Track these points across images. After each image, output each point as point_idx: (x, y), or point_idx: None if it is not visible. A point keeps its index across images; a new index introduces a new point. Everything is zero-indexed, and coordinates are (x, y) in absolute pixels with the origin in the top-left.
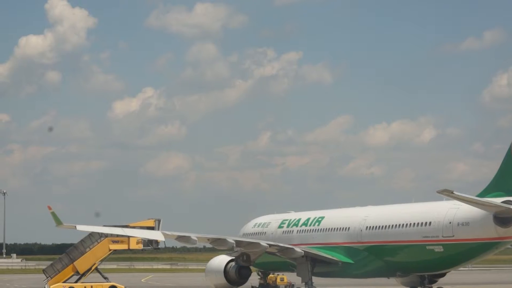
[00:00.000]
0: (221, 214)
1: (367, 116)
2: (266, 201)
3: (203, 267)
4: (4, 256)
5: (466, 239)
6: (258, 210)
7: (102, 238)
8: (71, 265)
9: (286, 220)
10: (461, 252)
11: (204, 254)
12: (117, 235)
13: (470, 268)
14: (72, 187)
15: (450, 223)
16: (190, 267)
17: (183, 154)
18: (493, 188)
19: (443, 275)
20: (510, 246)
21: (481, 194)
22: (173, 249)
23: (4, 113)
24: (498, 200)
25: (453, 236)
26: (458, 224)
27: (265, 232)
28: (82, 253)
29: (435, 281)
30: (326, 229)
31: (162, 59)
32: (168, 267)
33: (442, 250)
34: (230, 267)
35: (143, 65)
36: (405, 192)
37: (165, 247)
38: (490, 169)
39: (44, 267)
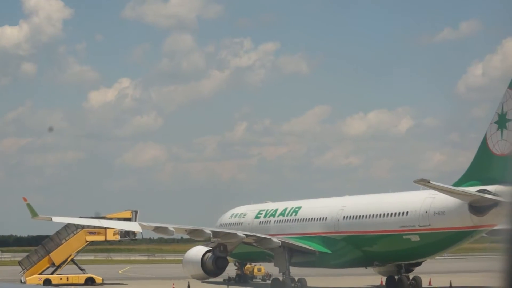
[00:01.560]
0: (198, 205)
1: (344, 107)
2: (243, 191)
3: (181, 258)
4: None
5: (442, 228)
6: (235, 201)
7: (78, 230)
8: (47, 257)
9: (263, 210)
10: (437, 241)
11: (181, 245)
12: (94, 227)
13: (446, 257)
14: (47, 178)
15: (426, 212)
16: (167, 258)
17: (160, 145)
18: (468, 178)
19: (419, 264)
20: (485, 235)
21: (457, 184)
22: (151, 240)
23: None
24: (473, 189)
25: (430, 225)
26: (434, 214)
27: (242, 223)
28: (58, 245)
29: (412, 270)
30: (303, 219)
31: (138, 50)
32: (145, 258)
33: (418, 239)
34: (207, 257)
35: (119, 56)
36: (382, 182)
37: (142, 238)
38: (466, 159)
39: (19, 259)
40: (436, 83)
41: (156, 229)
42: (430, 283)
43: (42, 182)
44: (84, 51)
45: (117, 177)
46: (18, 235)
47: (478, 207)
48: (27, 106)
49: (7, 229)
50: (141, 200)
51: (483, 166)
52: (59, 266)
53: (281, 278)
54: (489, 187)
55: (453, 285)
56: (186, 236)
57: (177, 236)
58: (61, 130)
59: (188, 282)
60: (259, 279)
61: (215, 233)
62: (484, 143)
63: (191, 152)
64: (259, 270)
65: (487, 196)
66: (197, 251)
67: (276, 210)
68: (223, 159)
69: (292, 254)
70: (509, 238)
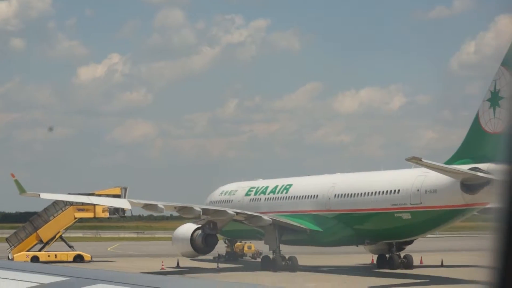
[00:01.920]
0: (188, 182)
1: (336, 83)
2: (233, 168)
3: (170, 236)
4: None
5: (433, 206)
6: (226, 178)
7: (66, 206)
8: (35, 233)
9: (254, 187)
10: (428, 219)
11: (171, 223)
12: (83, 203)
13: (437, 235)
14: (36, 154)
15: (418, 190)
16: (157, 236)
17: (150, 121)
18: (460, 155)
19: (410, 242)
20: (476, 213)
21: (449, 162)
22: (140, 218)
23: None
24: (465, 167)
25: (421, 203)
26: (425, 192)
27: (232, 200)
28: (46, 222)
29: (403, 248)
30: (294, 197)
31: (128, 25)
32: (134, 236)
33: (410, 217)
34: (197, 235)
35: (109, 31)
36: (374, 160)
37: (132, 216)
38: (458, 137)
39: (7, 235)
40: (428, 61)
41: (146, 206)
42: (421, 262)
43: (30, 158)
44: (74, 27)
45: (107, 154)
46: (6, 211)
47: (470, 185)
48: (16, 81)
49: None
50: (130, 177)
51: (475, 144)
52: (47, 243)
53: (271, 256)
54: (481, 165)
55: (444, 263)
56: (176, 214)
57: (166, 213)
58: (50, 106)
59: (178, 260)
60: (249, 256)
61: (205, 211)
62: (476, 121)
63: (181, 128)
64: (249, 248)
65: (479, 174)
66: (187, 228)
67: (266, 188)
68: (214, 136)
69: (282, 232)
70: (500, 217)
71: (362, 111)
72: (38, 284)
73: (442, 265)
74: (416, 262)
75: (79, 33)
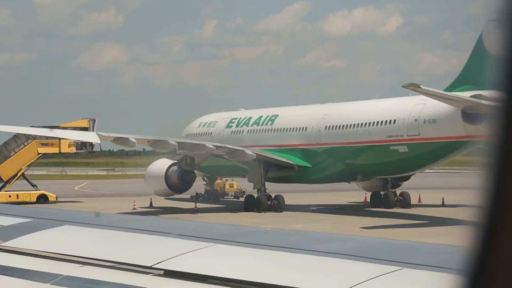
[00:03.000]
0: (163, 113)
1: (326, 2)
2: (213, 97)
3: (143, 173)
4: None
5: (432, 137)
6: (204, 108)
7: (29, 141)
8: None
9: (235, 119)
10: (427, 152)
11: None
12: (46, 137)
13: (437, 170)
14: None
15: (415, 120)
16: (128, 173)
17: (120, 45)
18: (462, 81)
19: (407, 178)
20: (480, 146)
21: (449, 88)
22: (110, 153)
23: None
24: (467, 94)
25: (419, 134)
26: (424, 122)
27: (212, 133)
28: (6, 157)
29: (399, 185)
30: (281, 129)
31: None
32: (104, 173)
33: (406, 150)
34: (172, 171)
35: None
36: (369, 87)
37: (101, 151)
38: (460, 61)
39: None
40: None
41: (116, 140)
42: (419, 200)
43: None
44: None
45: (73, 82)
46: None
47: (472, 114)
48: None
49: None
50: (99, 108)
51: (478, 69)
52: (7, 182)
53: (256, 195)
54: (485, 92)
55: (445, 202)
56: (149, 148)
57: (139, 148)
58: (8, 28)
59: (151, 199)
60: (231, 195)
61: (181, 144)
62: (479, 42)
63: (155, 53)
64: (231, 186)
65: (482, 102)
66: (161, 164)
67: (249, 119)
68: (191, 61)
69: (268, 168)
70: (491, 151)
71: (356, 33)
72: None
73: (443, 205)
74: (414, 200)
75: None
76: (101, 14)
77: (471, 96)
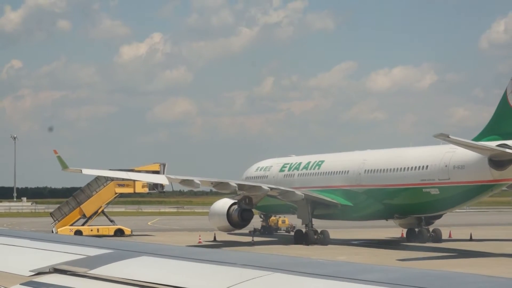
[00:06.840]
0: (226, 159)
1: (370, 62)
2: (271, 145)
3: (208, 211)
4: (15, 200)
5: (461, 181)
6: (262, 154)
7: (108, 182)
8: (78, 208)
9: (288, 163)
10: (456, 194)
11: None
12: (123, 179)
13: (466, 210)
14: (81, 131)
15: (446, 166)
16: (196, 210)
17: (190, 99)
18: (488, 132)
19: (439, 216)
20: (506, 189)
21: (477, 138)
22: (180, 193)
23: (16, 59)
24: (493, 144)
25: (449, 178)
26: (453, 167)
27: (267, 176)
28: (89, 197)
29: (432, 223)
30: (326, 172)
31: (169, 5)
32: (174, 210)
33: (438, 192)
34: (233, 210)
35: (150, 11)
36: (406, 137)
37: (172, 191)
38: (489, 114)
39: (52, 210)
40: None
41: (183, 181)
42: (450, 236)
43: (75, 135)
44: (117, 8)
45: (148, 131)
46: (53, 187)
47: (498, 161)
48: (62, 61)
49: (42, 181)
50: (171, 154)
51: (503, 121)
52: (89, 218)
53: (304, 230)
54: (510, 142)
55: (473, 237)
56: (214, 190)
57: (206, 189)
58: (94, 85)
59: (215, 234)
60: (283, 230)
61: (241, 186)
62: (504, 98)
63: (220, 106)
64: (284, 222)
65: (508, 150)
66: (223, 203)
67: (300, 164)
68: (252, 114)
69: (314, 206)
70: None
71: (395, 89)
72: (84, 256)
73: (471, 239)
74: (445, 236)
75: (121, 13)
76: (172, 71)
77: (497, 145)
